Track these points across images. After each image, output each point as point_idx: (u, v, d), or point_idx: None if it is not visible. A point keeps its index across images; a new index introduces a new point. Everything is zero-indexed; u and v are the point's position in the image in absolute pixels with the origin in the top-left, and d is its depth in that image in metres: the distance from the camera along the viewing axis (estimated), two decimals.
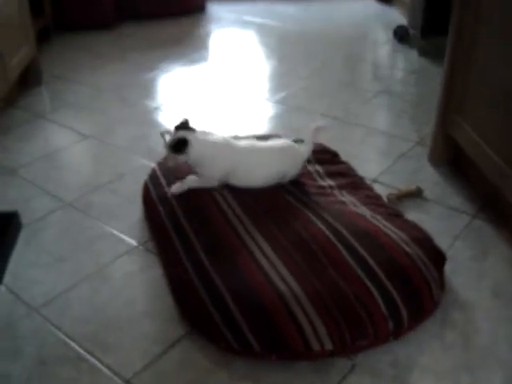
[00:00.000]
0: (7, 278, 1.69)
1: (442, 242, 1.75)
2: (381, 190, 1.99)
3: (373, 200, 1.85)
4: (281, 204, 1.79)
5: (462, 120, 1.98)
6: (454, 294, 1.59)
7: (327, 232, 1.63)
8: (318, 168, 2.02)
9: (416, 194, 2.00)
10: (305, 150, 1.92)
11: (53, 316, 1.54)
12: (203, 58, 3.42)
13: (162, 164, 2.08)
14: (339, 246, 1.58)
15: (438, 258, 1.60)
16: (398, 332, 1.43)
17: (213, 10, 4.45)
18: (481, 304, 1.55)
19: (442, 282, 1.56)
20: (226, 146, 1.86)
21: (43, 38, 3.73)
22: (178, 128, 1.83)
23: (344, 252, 1.56)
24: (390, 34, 3.70)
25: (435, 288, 1.52)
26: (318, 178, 1.97)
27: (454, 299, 1.57)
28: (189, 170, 1.88)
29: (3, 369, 1.40)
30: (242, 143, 1.90)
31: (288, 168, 1.88)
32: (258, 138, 2.09)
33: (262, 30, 3.94)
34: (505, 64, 1.69)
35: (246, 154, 1.88)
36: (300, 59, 3.36)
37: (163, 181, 1.97)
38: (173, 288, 1.60)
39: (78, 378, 1.38)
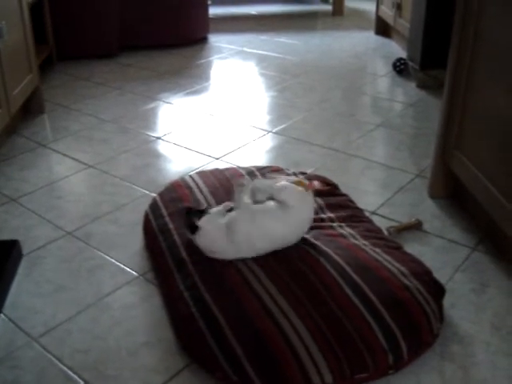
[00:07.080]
0: (7, 307, 1.69)
1: (441, 274, 1.76)
2: (380, 223, 2.01)
3: (373, 233, 1.86)
4: None
5: (460, 153, 2.00)
6: (453, 326, 1.59)
7: (326, 265, 1.64)
8: (318, 200, 2.03)
9: (416, 227, 2.01)
10: None
11: (52, 346, 1.54)
12: (204, 89, 3.46)
13: (162, 194, 2.09)
14: (339, 279, 1.58)
15: (437, 291, 1.60)
16: (398, 365, 1.43)
17: (214, 40, 4.50)
18: (480, 337, 1.55)
19: (441, 315, 1.56)
20: None
21: (46, 66, 3.78)
22: None
23: (344, 285, 1.56)
24: (390, 67, 3.75)
25: (434, 321, 1.52)
26: (318, 210, 1.98)
27: (453, 332, 1.57)
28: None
29: None
30: None
31: None
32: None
33: (262, 61, 3.98)
34: (503, 98, 1.71)
35: None
36: (300, 91, 3.40)
37: (164, 211, 1.98)
38: (172, 321, 1.60)
39: None
